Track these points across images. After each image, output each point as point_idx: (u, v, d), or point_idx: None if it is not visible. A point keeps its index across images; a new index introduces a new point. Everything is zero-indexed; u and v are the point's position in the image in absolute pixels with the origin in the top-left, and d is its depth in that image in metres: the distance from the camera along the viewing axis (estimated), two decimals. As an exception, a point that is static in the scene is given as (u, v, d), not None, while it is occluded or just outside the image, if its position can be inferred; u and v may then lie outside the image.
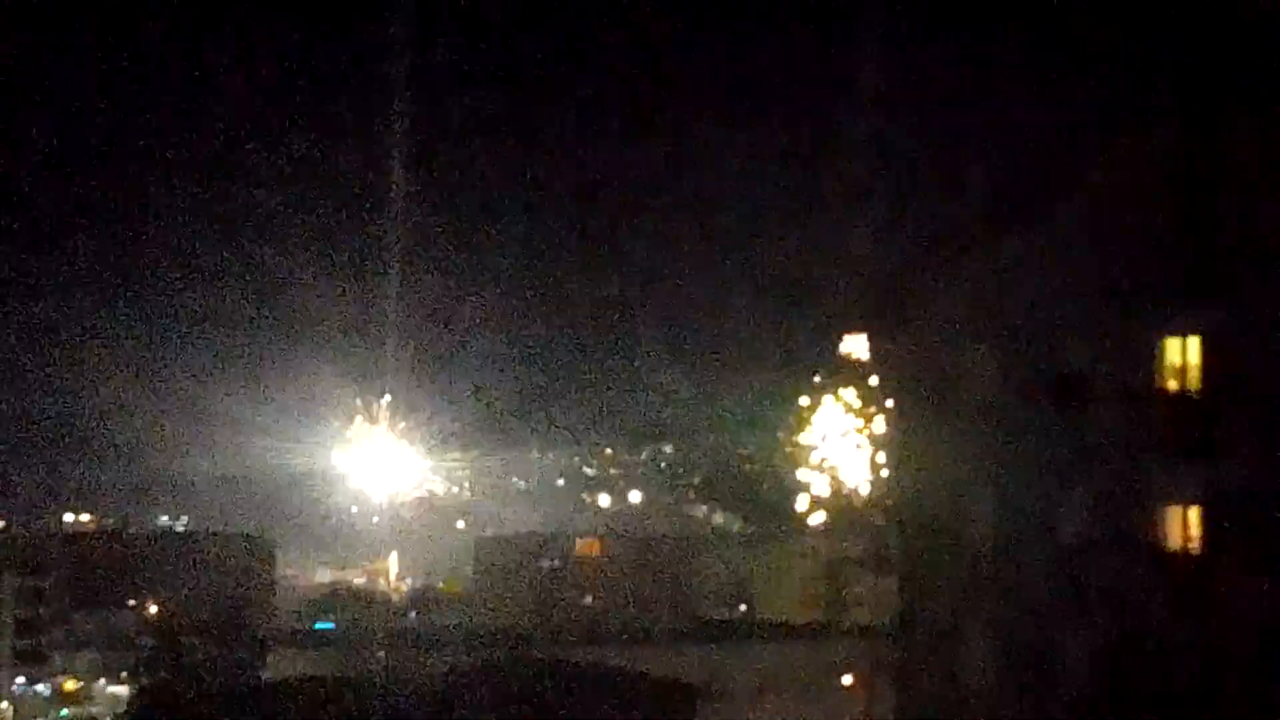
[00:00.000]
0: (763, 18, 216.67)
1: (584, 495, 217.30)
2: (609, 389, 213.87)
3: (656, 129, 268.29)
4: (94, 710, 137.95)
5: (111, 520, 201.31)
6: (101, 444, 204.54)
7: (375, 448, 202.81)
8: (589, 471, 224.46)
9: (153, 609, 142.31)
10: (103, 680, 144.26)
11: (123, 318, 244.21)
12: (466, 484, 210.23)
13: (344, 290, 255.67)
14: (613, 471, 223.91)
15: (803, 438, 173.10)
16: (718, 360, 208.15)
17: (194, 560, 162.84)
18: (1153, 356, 40.23)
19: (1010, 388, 43.71)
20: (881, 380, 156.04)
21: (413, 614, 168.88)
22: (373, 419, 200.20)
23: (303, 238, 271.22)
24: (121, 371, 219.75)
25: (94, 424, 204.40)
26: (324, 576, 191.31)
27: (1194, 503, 39.33)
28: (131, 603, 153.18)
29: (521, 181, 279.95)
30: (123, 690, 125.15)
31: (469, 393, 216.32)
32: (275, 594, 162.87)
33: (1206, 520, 39.17)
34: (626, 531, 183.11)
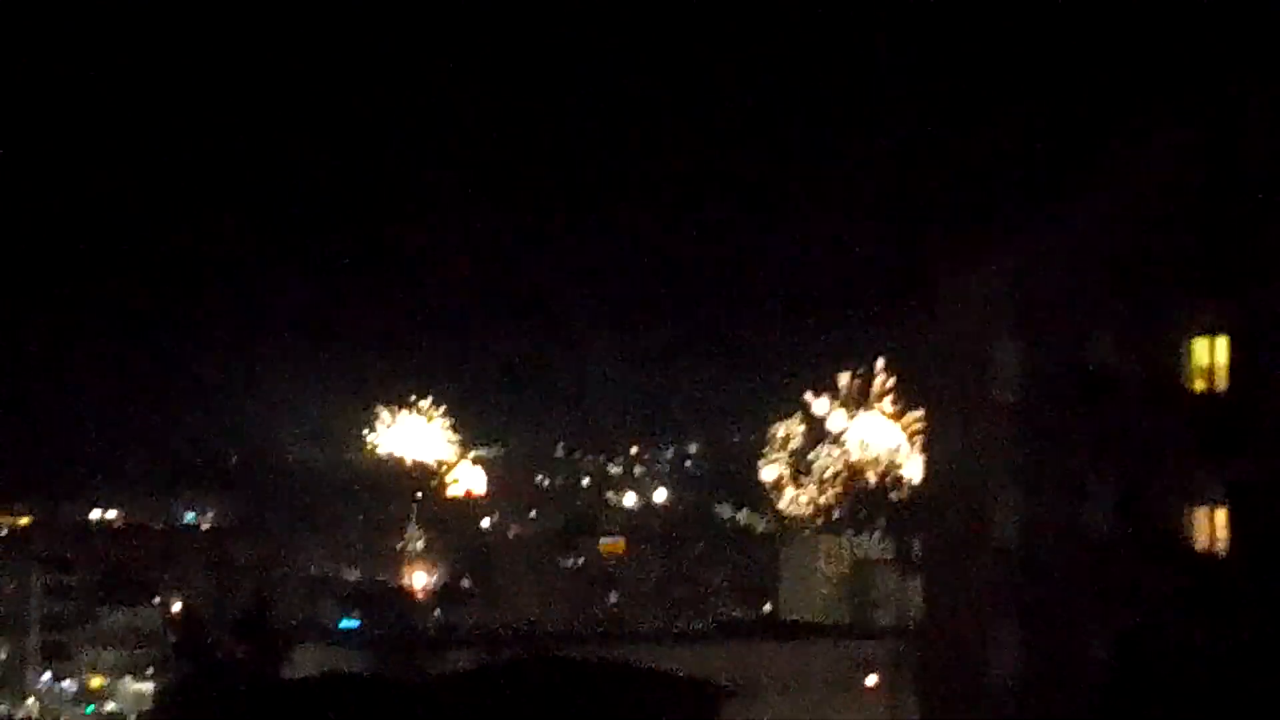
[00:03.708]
0: (782, 8, 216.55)
1: (609, 493, 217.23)
2: (635, 387, 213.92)
3: (684, 128, 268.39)
4: (119, 707, 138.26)
5: (138, 516, 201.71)
6: (130, 438, 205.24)
7: (403, 444, 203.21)
8: (614, 470, 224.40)
9: (177, 606, 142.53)
10: (128, 677, 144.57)
11: (157, 312, 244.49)
12: (493, 481, 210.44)
13: (372, 287, 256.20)
14: (637, 470, 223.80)
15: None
16: (744, 360, 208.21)
17: (219, 557, 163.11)
18: (1180, 355, 40.04)
19: (1037, 386, 43.54)
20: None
21: (437, 611, 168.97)
22: (411, 410, 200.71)
23: (341, 236, 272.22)
24: (153, 366, 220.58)
25: (124, 418, 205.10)
26: (350, 573, 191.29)
27: (1221, 502, 39.13)
28: (157, 599, 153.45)
29: (547, 182, 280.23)
30: (147, 687, 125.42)
31: (498, 391, 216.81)
32: (301, 591, 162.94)
33: (1233, 519, 38.97)
34: (651, 530, 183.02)
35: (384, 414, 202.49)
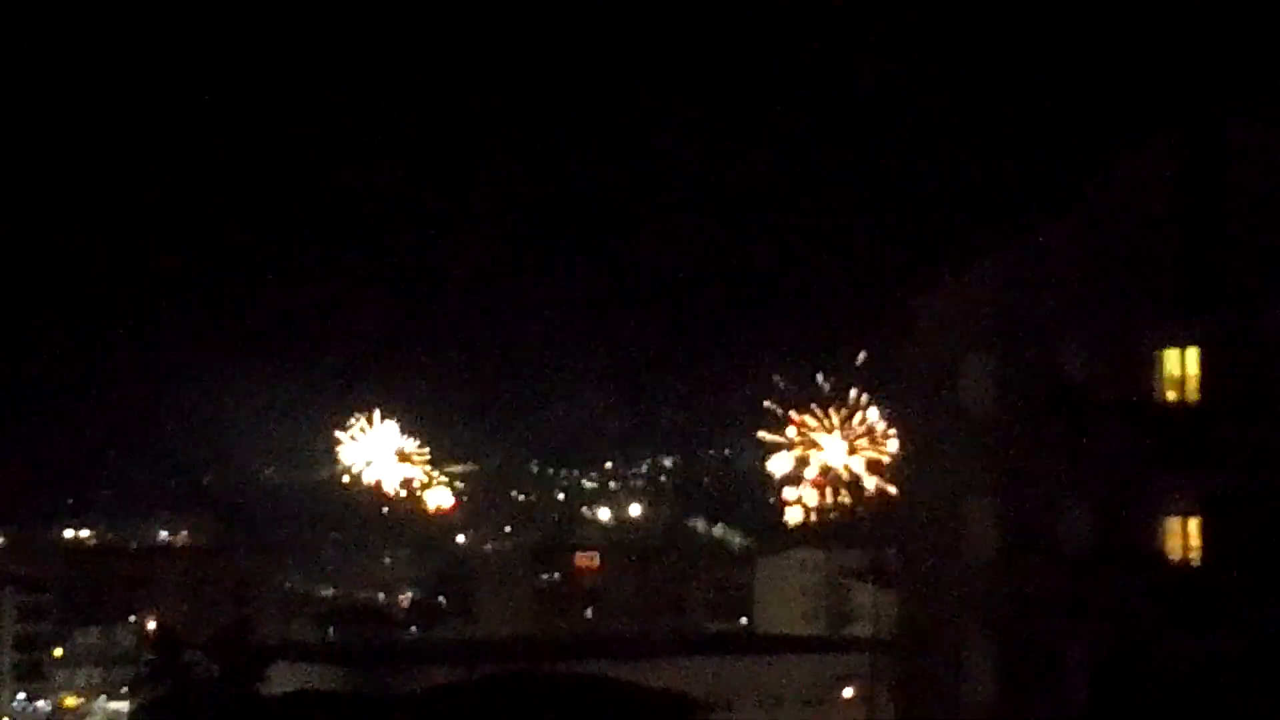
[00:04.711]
0: (766, 20, 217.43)
1: (584, 508, 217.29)
2: (609, 403, 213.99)
3: (661, 155, 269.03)
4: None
5: (111, 535, 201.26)
6: (104, 459, 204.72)
7: (376, 462, 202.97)
8: (589, 485, 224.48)
9: (153, 624, 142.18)
10: (103, 696, 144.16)
11: (131, 335, 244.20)
12: (468, 497, 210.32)
13: (345, 306, 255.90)
14: (612, 485, 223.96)
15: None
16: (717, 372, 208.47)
17: (194, 575, 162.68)
18: (1151, 367, 40.29)
19: (1011, 399, 43.74)
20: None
21: (413, 628, 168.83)
22: (382, 426, 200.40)
23: (315, 248, 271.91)
24: (126, 388, 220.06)
25: (98, 439, 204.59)
26: (326, 590, 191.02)
27: (1193, 513, 39.36)
28: (132, 618, 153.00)
29: (526, 196, 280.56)
30: (123, 706, 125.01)
31: (470, 406, 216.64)
32: (277, 607, 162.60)
33: (1206, 530, 39.20)
34: (626, 545, 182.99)
35: (356, 432, 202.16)
